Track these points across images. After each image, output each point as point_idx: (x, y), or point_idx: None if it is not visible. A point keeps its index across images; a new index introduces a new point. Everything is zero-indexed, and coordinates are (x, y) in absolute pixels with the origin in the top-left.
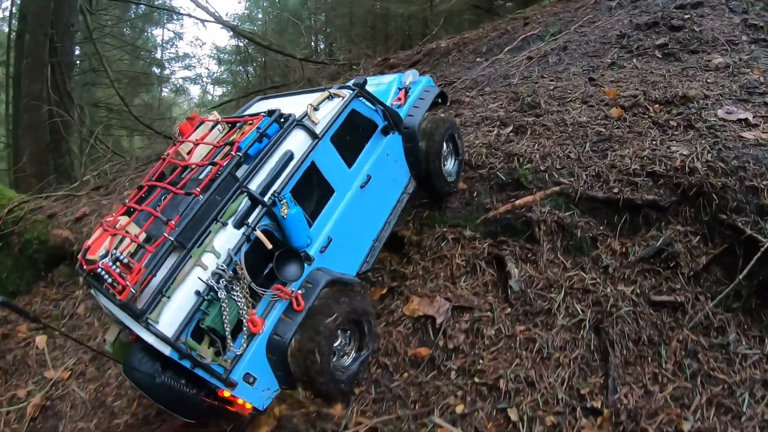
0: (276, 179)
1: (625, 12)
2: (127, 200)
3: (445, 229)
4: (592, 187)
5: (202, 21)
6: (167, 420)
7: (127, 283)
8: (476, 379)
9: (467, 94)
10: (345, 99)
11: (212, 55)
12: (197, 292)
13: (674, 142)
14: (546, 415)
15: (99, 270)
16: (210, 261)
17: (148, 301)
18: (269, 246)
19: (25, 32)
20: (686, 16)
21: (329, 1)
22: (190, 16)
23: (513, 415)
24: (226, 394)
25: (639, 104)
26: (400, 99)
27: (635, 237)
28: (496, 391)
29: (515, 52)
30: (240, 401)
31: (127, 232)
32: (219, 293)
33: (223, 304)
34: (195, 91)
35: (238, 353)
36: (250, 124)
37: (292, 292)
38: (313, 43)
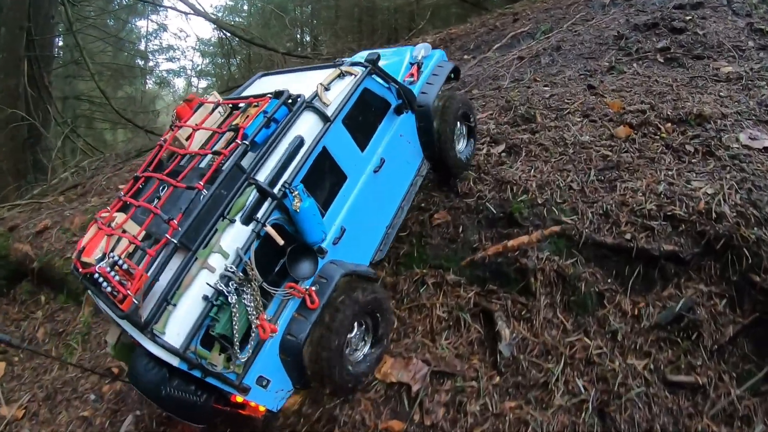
0: (286, 168)
1: (619, 10)
2: (122, 193)
3: (425, 271)
4: (599, 229)
5: (185, 13)
6: None
7: (129, 291)
8: None
9: None
10: (357, 77)
11: (196, 47)
12: (205, 297)
13: (693, 173)
14: None
15: (96, 276)
16: (218, 262)
17: (153, 310)
18: (281, 242)
19: (0, 25)
20: (688, 18)
21: None
22: (171, 8)
23: None
24: (239, 399)
25: (649, 122)
26: (412, 75)
27: (649, 295)
28: None
29: (504, 50)
30: (253, 405)
31: (125, 231)
32: (229, 298)
33: (234, 309)
34: (179, 83)
35: (245, 360)
36: (256, 106)
37: (306, 289)
38: (298, 36)
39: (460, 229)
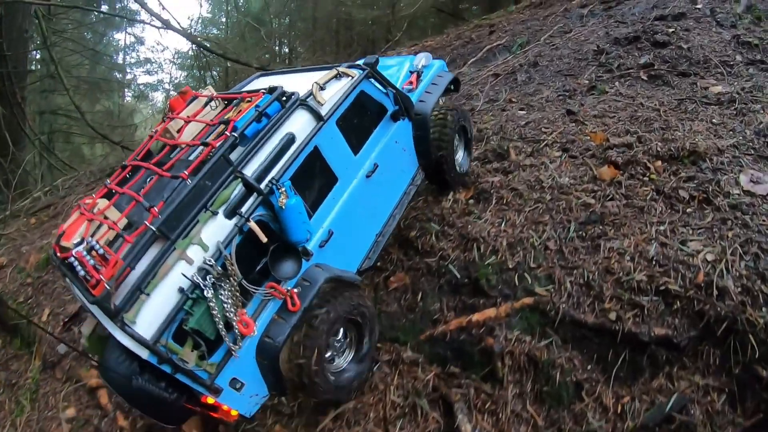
0: (274, 164)
1: (598, 22)
2: (108, 181)
3: (379, 345)
4: (578, 304)
5: (157, 28)
6: None
7: (102, 276)
8: None
9: None
10: (354, 79)
11: (173, 60)
12: (181, 290)
13: (689, 229)
14: None
15: (72, 260)
16: (196, 254)
17: (125, 298)
18: (264, 239)
19: None
20: (671, 30)
21: (292, 6)
22: (144, 22)
23: None
24: (210, 400)
25: (636, 160)
26: (411, 83)
27: (636, 386)
28: None
29: (480, 65)
30: (225, 408)
31: (105, 217)
32: (205, 292)
33: (210, 304)
34: (157, 96)
35: (234, 355)
36: (249, 101)
37: (287, 290)
38: (276, 47)
39: (420, 296)
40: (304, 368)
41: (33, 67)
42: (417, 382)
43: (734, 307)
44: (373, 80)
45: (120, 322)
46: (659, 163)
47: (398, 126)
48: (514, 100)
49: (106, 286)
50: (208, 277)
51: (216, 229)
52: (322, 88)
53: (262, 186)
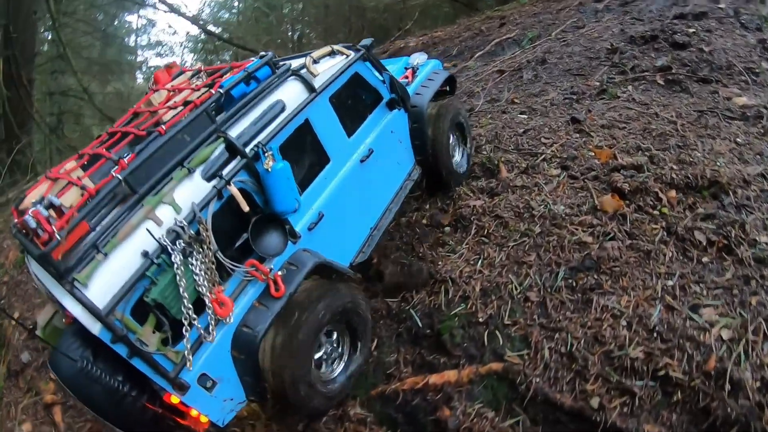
0: (262, 130)
1: (614, 18)
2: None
3: None
4: (556, 379)
5: (164, 11)
6: None
7: (54, 228)
8: None
9: None
10: (349, 58)
11: (184, 44)
12: (145, 254)
13: (704, 288)
14: None
15: (27, 218)
16: (167, 215)
17: (78, 256)
18: (246, 208)
19: None
20: (691, 30)
21: None
22: (151, 6)
23: None
24: (174, 400)
25: (646, 188)
26: (407, 77)
27: None
28: None
29: (487, 59)
30: (195, 413)
31: (70, 176)
32: (173, 256)
33: (178, 272)
34: None
35: (210, 340)
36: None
37: (270, 269)
38: (290, 33)
39: (376, 342)
40: (287, 377)
41: (44, 47)
42: None
43: (749, 409)
44: (368, 64)
45: (69, 284)
46: (673, 193)
47: (394, 115)
48: (516, 100)
49: (57, 236)
50: (177, 242)
51: (191, 190)
52: (315, 62)
53: (248, 150)
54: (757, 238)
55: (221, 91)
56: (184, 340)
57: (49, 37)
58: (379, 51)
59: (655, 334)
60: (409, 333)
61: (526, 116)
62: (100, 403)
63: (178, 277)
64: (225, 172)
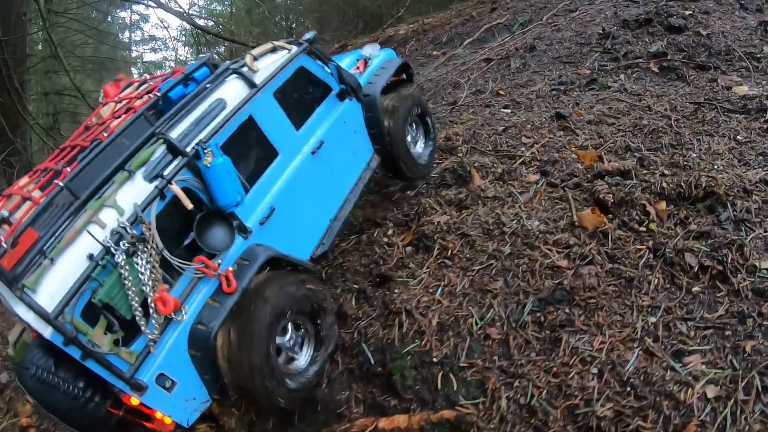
0: (202, 129)
1: (607, 0)
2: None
3: None
4: None
5: (153, 7)
6: None
7: (2, 238)
8: None
9: None
10: (291, 52)
11: (178, 38)
12: (90, 256)
13: (691, 325)
14: None
15: None
16: (110, 218)
17: (25, 262)
18: (189, 206)
19: None
20: (687, 13)
21: None
22: (137, 2)
23: None
24: (134, 401)
25: (632, 200)
26: (359, 68)
27: None
28: None
29: (476, 46)
30: (159, 415)
31: (22, 191)
32: (116, 257)
33: (122, 272)
34: None
35: (152, 338)
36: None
37: (217, 264)
38: (284, 23)
39: (327, 379)
40: (246, 372)
41: (38, 47)
42: None
43: None
44: (312, 57)
45: (19, 291)
46: (663, 205)
47: (346, 106)
48: (502, 92)
49: (3, 245)
50: (121, 242)
51: (133, 191)
52: (255, 59)
53: (188, 149)
54: (756, 264)
55: (158, 95)
56: (140, 337)
57: (43, 37)
58: (369, 41)
59: (628, 388)
60: (361, 369)
61: (509, 110)
62: (63, 410)
63: (122, 277)
64: (166, 172)
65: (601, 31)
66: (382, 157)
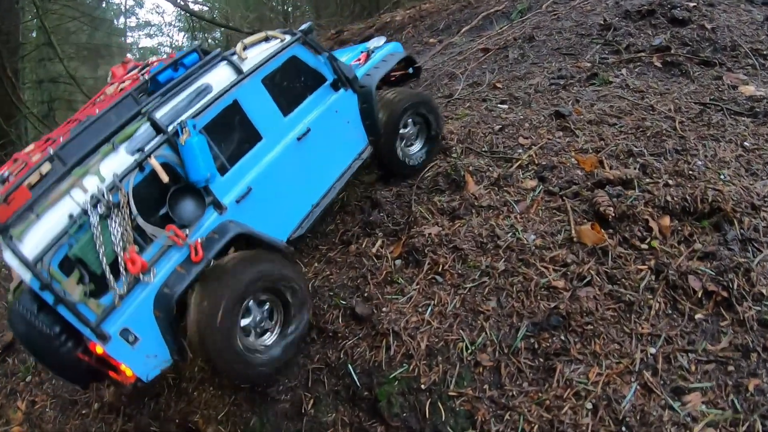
0: (185, 110)
1: None
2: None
3: None
4: None
5: None
6: None
7: None
8: None
9: None
10: (284, 42)
11: (174, 23)
12: (70, 216)
13: (692, 358)
14: None
15: None
16: (91, 184)
17: (15, 215)
18: (165, 178)
19: None
20: (691, 5)
21: None
22: None
23: None
24: (99, 350)
25: (634, 214)
26: (359, 60)
27: None
28: None
29: (473, 34)
30: (123, 366)
31: (27, 156)
32: (91, 218)
33: (94, 231)
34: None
35: (120, 294)
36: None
37: (187, 236)
38: (280, 7)
39: (313, 401)
40: (209, 342)
41: (32, 35)
42: None
43: None
44: (306, 47)
45: (7, 238)
46: (667, 220)
47: (340, 96)
48: (499, 85)
49: None
50: (98, 206)
51: (116, 162)
52: (246, 47)
53: (170, 128)
54: (763, 291)
55: (146, 78)
56: (110, 292)
57: (37, 25)
58: (365, 27)
59: (623, 428)
60: (347, 391)
61: (506, 106)
62: (38, 349)
63: (95, 236)
64: (147, 147)
65: (602, 22)
66: (375, 148)
